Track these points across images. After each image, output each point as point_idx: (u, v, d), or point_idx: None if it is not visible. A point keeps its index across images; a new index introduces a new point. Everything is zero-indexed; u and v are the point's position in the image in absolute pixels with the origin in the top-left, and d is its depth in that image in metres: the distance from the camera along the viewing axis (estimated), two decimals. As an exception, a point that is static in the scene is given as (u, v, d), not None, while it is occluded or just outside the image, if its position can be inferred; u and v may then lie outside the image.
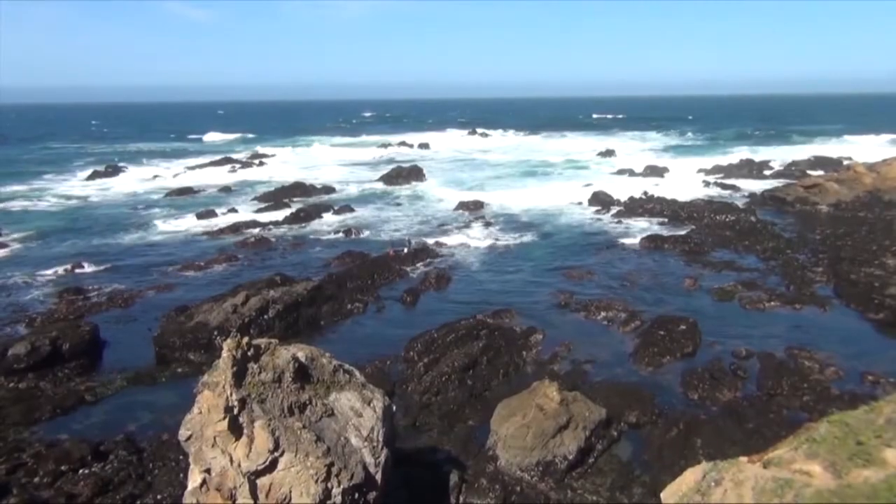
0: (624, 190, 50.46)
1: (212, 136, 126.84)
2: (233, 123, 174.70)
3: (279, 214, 45.02)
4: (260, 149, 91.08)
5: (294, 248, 35.88)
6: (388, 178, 60.53)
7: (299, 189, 54.48)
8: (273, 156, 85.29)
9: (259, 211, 47.19)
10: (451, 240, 36.74)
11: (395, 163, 73.32)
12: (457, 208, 46.57)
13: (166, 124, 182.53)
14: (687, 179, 58.18)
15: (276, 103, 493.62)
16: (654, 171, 62.73)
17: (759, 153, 76.38)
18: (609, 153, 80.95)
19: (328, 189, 56.26)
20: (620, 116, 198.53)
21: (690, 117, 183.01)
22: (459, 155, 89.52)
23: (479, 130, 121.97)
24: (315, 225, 42.37)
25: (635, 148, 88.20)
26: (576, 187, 54.14)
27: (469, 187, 56.30)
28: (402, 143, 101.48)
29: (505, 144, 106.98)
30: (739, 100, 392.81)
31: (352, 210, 46.76)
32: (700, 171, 62.99)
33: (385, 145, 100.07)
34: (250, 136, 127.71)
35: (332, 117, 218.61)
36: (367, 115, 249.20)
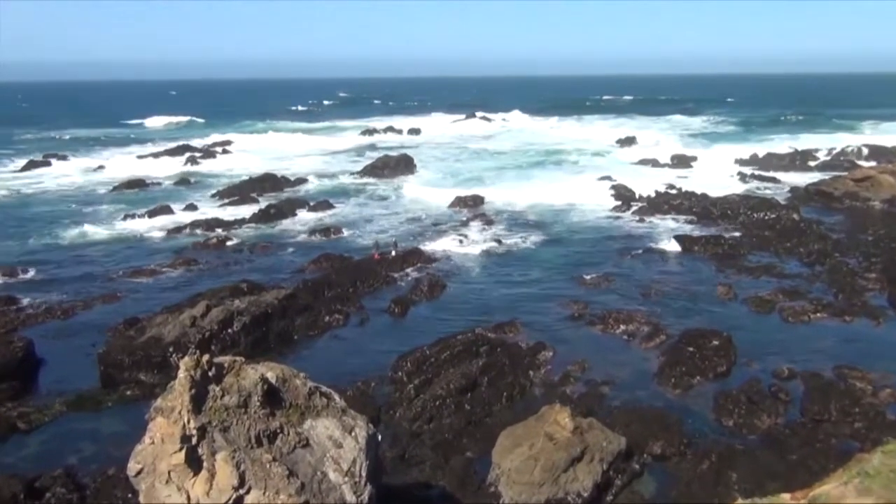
0: (647, 183, 50.81)
1: (154, 121, 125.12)
2: (183, 106, 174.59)
3: (246, 211, 45.04)
4: (220, 136, 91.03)
5: (263, 251, 35.93)
6: (373, 170, 60.64)
7: (269, 182, 54.59)
8: (234, 143, 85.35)
9: (222, 207, 47.20)
10: (447, 241, 36.83)
11: (380, 151, 73.44)
12: (453, 204, 46.74)
13: (109, 106, 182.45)
14: (719, 171, 58.58)
15: (236, 82, 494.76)
16: (681, 162, 63.16)
17: (801, 141, 76.97)
18: (629, 141, 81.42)
19: (302, 182, 56.29)
20: (639, 97, 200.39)
21: (721, 99, 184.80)
22: (456, 142, 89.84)
23: (479, 114, 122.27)
24: (287, 224, 42.39)
25: (658, 134, 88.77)
26: (591, 180, 54.43)
27: (467, 180, 56.51)
28: (389, 129, 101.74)
29: (508, 130, 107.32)
30: (771, 79, 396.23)
31: (330, 206, 46.83)
32: (736, 161, 63.47)
33: (369, 131, 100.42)
34: (200, 120, 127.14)
35: (300, 98, 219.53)
36: (343, 95, 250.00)
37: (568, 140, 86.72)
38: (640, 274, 30.80)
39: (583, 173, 59.02)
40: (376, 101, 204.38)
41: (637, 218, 42.10)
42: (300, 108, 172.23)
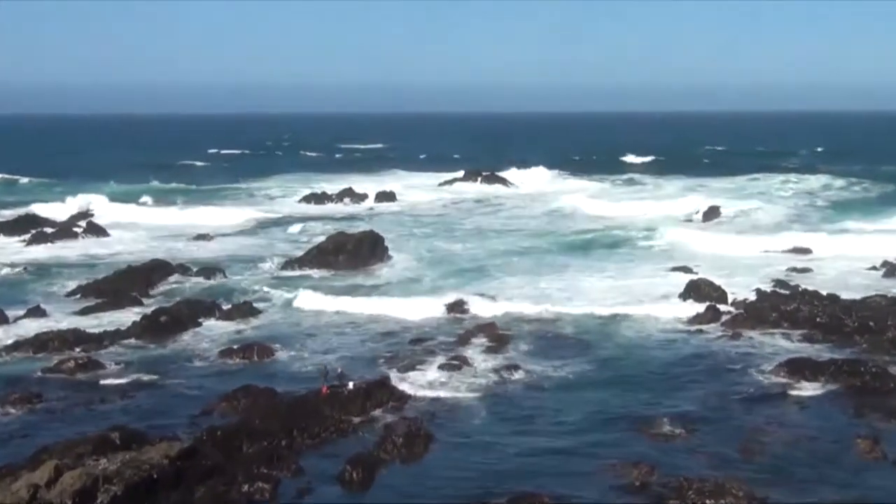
0: (742, 279, 51.23)
1: None
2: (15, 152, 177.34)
3: (122, 318, 45.13)
4: (79, 200, 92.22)
5: (148, 381, 35.80)
6: (321, 255, 61.14)
7: (159, 273, 55.07)
8: (103, 213, 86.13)
9: (85, 314, 47.17)
10: (433, 369, 36.85)
11: (333, 226, 74.26)
12: (443, 309, 46.95)
13: None
14: (854, 260, 59.17)
15: (102, 119, 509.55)
16: (794, 246, 63.94)
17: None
18: (710, 213, 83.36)
19: (211, 273, 56.77)
20: (718, 147, 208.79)
21: (840, 147, 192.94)
22: (449, 212, 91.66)
23: (484, 173, 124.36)
24: (187, 339, 42.43)
25: (750, 202, 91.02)
26: (655, 273, 55.12)
27: (464, 272, 57.12)
28: (348, 194, 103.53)
29: (526, 194, 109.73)
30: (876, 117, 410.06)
31: (254, 312, 47.01)
32: (879, 246, 63.09)
33: (317, 196, 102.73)
34: (45, 181, 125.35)
35: (215, 141, 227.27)
36: (286, 142, 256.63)
37: (617, 210, 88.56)
38: (735, 420, 30.77)
39: (642, 262, 59.95)
40: (337, 155, 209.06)
41: (729, 332, 42.41)
42: (199, 162, 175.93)
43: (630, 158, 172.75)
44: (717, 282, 49.72)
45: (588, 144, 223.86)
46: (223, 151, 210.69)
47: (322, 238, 65.74)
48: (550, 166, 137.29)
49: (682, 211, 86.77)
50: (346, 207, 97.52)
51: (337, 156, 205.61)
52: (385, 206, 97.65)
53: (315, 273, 58.39)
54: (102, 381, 35.87)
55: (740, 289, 49.58)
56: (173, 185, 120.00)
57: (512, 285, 52.67)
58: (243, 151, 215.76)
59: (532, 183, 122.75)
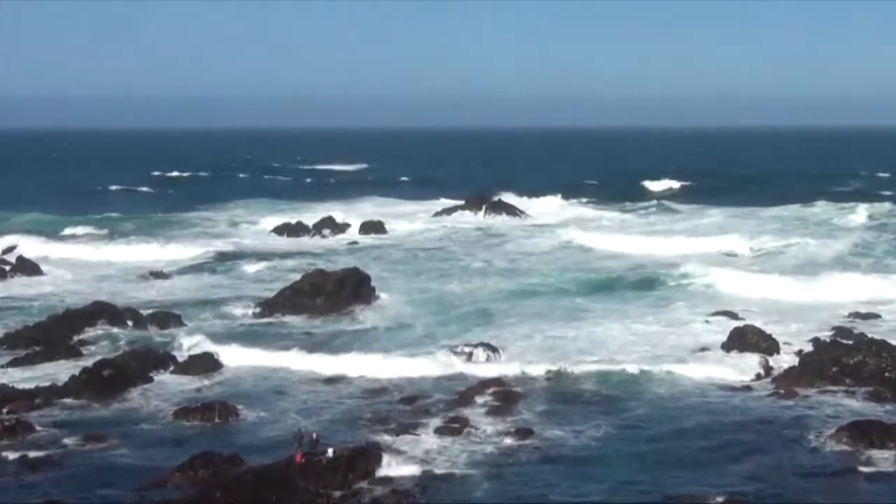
0: (796, 326, 51.46)
1: None
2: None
3: (57, 372, 44.98)
4: (18, 239, 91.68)
5: (88, 448, 35.50)
6: (295, 297, 61.07)
7: (101, 318, 54.80)
8: (31, 250, 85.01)
9: (13, 365, 47.12)
10: (429, 433, 36.77)
11: (309, 262, 74.39)
12: (441, 363, 46.81)
13: None
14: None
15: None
16: (859, 289, 63.42)
17: None
18: (759, 249, 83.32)
19: (165, 320, 56.58)
20: (762, 167, 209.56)
21: (881, 172, 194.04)
22: (445, 245, 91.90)
23: (492, 199, 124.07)
24: (136, 396, 42.29)
25: (798, 233, 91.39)
26: (691, 318, 55.31)
27: (465, 316, 57.29)
28: (326, 225, 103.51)
29: (532, 223, 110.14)
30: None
31: (215, 365, 46.99)
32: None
33: (290, 228, 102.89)
34: None
35: (156, 163, 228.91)
36: (246, 162, 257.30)
37: (644, 245, 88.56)
38: (790, 496, 30.61)
39: (677, 306, 60.09)
40: (308, 179, 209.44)
41: (781, 390, 42.28)
42: (142, 188, 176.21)
43: (655, 184, 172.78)
44: (767, 329, 49.64)
45: (602, 165, 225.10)
46: (170, 174, 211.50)
47: (296, 276, 65.72)
48: (562, 192, 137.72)
49: (723, 246, 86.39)
50: (324, 241, 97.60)
51: (308, 180, 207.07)
52: (371, 239, 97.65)
53: (288, 319, 58.27)
54: (32, 453, 35.11)
55: (794, 338, 49.66)
56: (112, 214, 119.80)
57: (521, 333, 52.68)
58: (194, 174, 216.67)
59: (542, 212, 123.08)
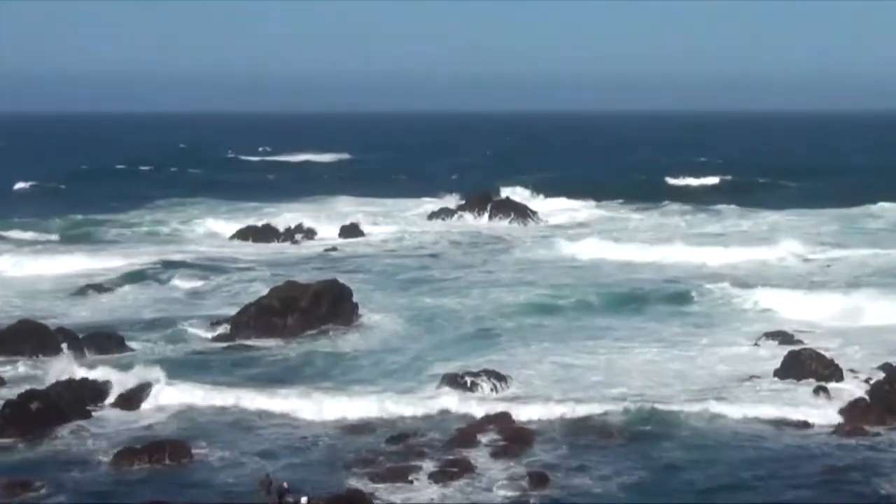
0: (862, 350, 51.09)
1: None
2: None
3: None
4: None
5: (11, 495, 35.17)
6: (261, 316, 60.68)
7: (29, 341, 54.45)
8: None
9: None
10: (423, 479, 36.58)
11: (278, 272, 74.31)
12: (435, 392, 46.75)
13: None
14: None
15: None
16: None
17: None
18: (814, 258, 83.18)
19: (105, 342, 56.27)
20: (810, 162, 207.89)
21: None
22: (441, 251, 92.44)
23: (495, 199, 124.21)
24: (69, 434, 41.92)
25: (865, 240, 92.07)
26: (737, 340, 55.18)
27: (465, 338, 57.25)
28: (298, 230, 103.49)
29: (546, 226, 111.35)
30: None
31: (166, 396, 46.51)
32: None
33: (257, 232, 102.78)
34: None
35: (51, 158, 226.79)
36: (181, 153, 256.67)
37: (676, 254, 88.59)
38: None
39: (719, 326, 60.11)
40: (269, 175, 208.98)
41: (846, 426, 41.97)
42: (51, 183, 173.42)
43: (685, 181, 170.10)
44: (828, 354, 49.37)
45: (619, 156, 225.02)
46: (84, 167, 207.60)
47: (263, 290, 65.42)
48: (576, 189, 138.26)
49: (771, 255, 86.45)
50: (296, 248, 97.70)
51: (271, 176, 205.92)
52: (352, 245, 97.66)
53: (252, 341, 57.87)
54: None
55: (861, 364, 49.24)
56: (25, 219, 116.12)
57: (531, 357, 52.51)
58: (131, 167, 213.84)
59: (554, 211, 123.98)
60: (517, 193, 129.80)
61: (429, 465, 37.79)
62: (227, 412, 45.52)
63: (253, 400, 46.97)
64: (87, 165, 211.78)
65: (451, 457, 38.90)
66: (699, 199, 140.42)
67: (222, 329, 59.96)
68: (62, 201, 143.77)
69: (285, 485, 34.69)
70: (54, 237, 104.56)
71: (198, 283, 77.35)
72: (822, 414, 43.60)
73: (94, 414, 44.38)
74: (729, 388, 47.36)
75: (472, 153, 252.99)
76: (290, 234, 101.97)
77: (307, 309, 61.11)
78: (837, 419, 43.03)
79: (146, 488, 35.89)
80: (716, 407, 44.73)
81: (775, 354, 50.65)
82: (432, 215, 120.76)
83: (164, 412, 45.26)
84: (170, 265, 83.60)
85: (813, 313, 63.06)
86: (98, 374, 49.67)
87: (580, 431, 42.30)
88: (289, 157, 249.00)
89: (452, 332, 59.25)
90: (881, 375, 47.08)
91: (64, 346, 54.91)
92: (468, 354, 53.03)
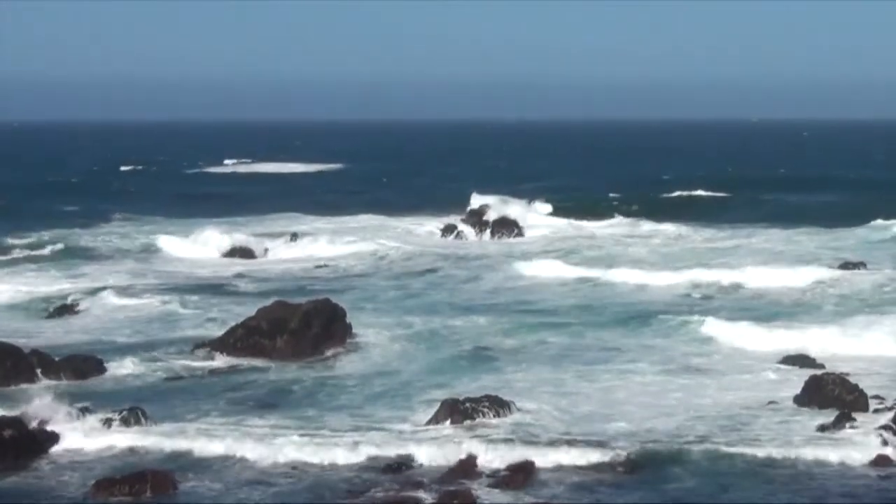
0: (892, 375, 51.42)
1: None
2: None
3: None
4: None
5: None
6: (248, 338, 60.44)
7: (2, 366, 53.99)
8: None
9: None
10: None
11: (265, 288, 75.74)
12: (435, 418, 46.35)
13: None
14: None
15: None
16: None
17: None
18: (842, 279, 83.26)
19: (84, 367, 56.06)
20: (839, 174, 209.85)
21: None
22: (439, 266, 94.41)
23: (494, 214, 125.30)
24: (43, 465, 41.51)
25: (886, 263, 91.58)
26: (755, 364, 54.99)
27: (464, 359, 57.54)
28: (285, 247, 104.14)
29: (548, 241, 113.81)
30: None
31: (149, 422, 46.11)
32: None
33: (243, 250, 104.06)
34: None
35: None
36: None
37: (686, 274, 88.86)
38: None
39: (731, 348, 59.73)
40: (252, 188, 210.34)
41: (871, 457, 41.14)
42: None
43: (686, 193, 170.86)
44: (853, 379, 48.95)
45: (621, 165, 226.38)
46: (50, 179, 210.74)
47: (249, 311, 65.04)
48: (579, 201, 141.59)
49: (789, 278, 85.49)
50: (284, 265, 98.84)
51: (254, 188, 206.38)
52: (345, 262, 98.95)
53: (239, 364, 57.89)
54: None
55: (889, 391, 48.97)
56: None
57: (534, 380, 52.33)
58: (75, 178, 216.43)
59: (556, 228, 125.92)
60: (512, 207, 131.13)
61: (427, 497, 37.13)
62: (213, 438, 44.93)
63: (240, 425, 46.36)
64: (52, 178, 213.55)
65: (449, 488, 38.18)
66: (705, 212, 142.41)
67: (206, 351, 59.72)
68: (25, 217, 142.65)
69: None
70: (20, 254, 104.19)
71: (179, 303, 76.97)
72: (852, 444, 42.59)
73: (68, 439, 43.52)
74: (742, 415, 46.83)
75: (465, 163, 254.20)
76: (277, 250, 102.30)
77: (297, 330, 60.66)
78: (864, 451, 42.06)
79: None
80: (729, 433, 44.08)
81: (795, 379, 50.26)
82: (431, 230, 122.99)
83: (148, 438, 44.37)
84: (147, 284, 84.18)
85: (837, 336, 61.85)
86: (73, 399, 49.33)
87: (587, 463, 41.21)
88: (274, 167, 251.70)
89: (451, 352, 59.28)
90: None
91: (38, 370, 54.95)
92: (468, 376, 52.98)
